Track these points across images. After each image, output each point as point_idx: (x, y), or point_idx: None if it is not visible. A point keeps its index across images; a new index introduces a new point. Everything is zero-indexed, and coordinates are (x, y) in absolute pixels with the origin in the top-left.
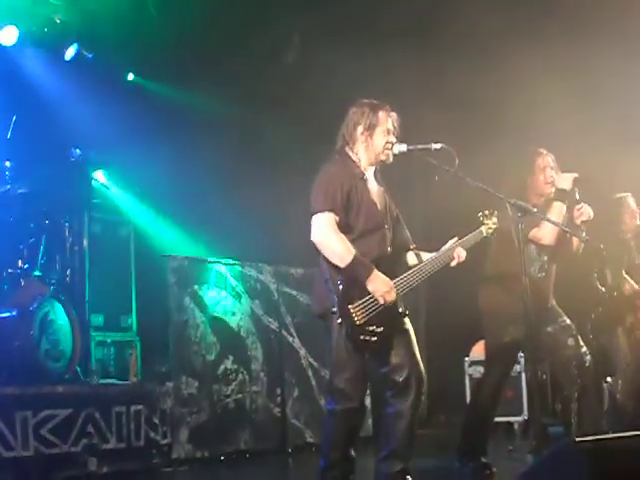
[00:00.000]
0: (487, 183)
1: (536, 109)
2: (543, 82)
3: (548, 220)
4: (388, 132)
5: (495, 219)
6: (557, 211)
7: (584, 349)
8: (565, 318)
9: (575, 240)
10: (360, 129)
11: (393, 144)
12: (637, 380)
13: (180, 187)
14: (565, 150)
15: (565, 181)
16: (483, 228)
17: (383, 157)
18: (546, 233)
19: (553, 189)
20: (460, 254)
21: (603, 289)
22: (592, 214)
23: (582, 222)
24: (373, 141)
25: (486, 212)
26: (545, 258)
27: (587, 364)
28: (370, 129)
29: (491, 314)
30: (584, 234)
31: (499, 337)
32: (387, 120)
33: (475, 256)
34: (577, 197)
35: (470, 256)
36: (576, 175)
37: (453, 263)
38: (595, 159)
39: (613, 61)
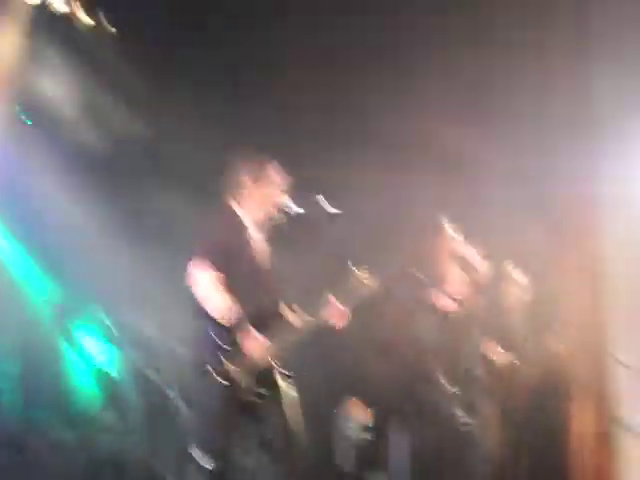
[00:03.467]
0: None
1: None
2: None
3: (432, 286)
4: (276, 184)
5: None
6: (458, 278)
7: (467, 420)
8: (449, 387)
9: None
10: (245, 182)
11: (281, 200)
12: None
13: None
14: None
15: (468, 251)
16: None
17: (272, 211)
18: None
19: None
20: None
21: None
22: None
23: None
24: (260, 195)
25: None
26: (440, 325)
27: (469, 436)
28: (256, 181)
29: (378, 383)
30: None
31: (382, 403)
32: (274, 174)
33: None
34: None
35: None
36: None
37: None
38: None
39: None
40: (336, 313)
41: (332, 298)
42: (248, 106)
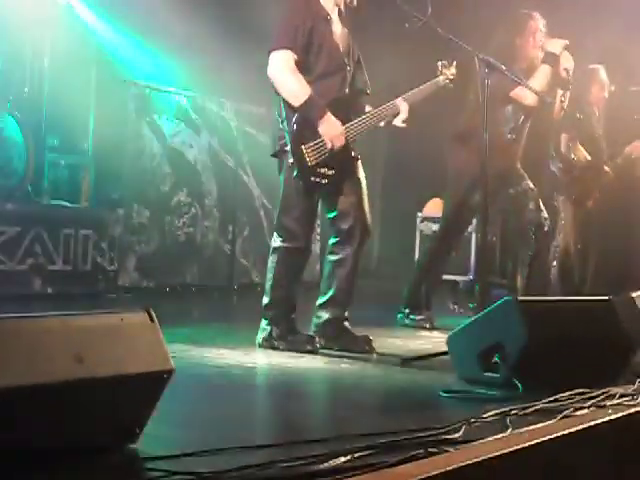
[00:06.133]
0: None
1: None
2: None
3: (517, 81)
4: None
5: (454, 70)
6: (543, 73)
7: (544, 214)
8: (529, 182)
9: (557, 106)
10: None
11: None
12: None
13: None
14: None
15: (555, 46)
16: (440, 78)
17: None
18: (528, 93)
19: (541, 54)
20: (403, 109)
21: (554, 154)
22: (572, 64)
23: (566, 79)
24: None
25: (445, 62)
26: (521, 119)
27: (546, 229)
28: None
29: (456, 172)
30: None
31: (460, 196)
32: None
33: (441, 111)
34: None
35: (436, 110)
36: (567, 42)
37: (397, 120)
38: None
39: None
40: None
41: (398, 100)
42: None
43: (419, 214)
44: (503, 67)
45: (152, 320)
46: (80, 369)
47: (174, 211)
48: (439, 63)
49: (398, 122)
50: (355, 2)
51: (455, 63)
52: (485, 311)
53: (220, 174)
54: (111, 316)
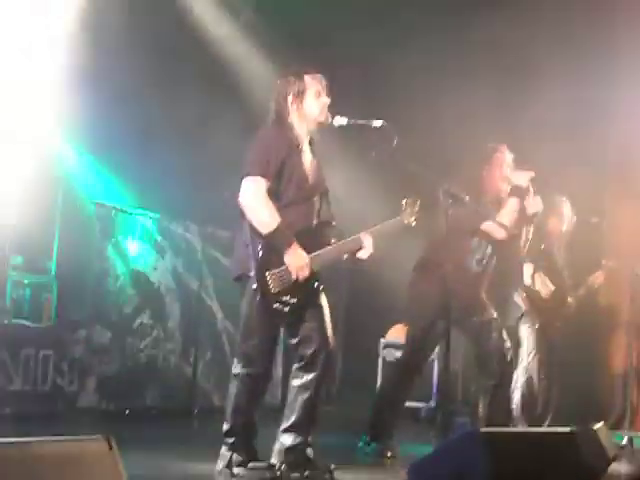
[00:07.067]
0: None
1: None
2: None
3: (480, 213)
4: (319, 94)
5: (417, 208)
6: (511, 207)
7: (507, 343)
8: (492, 311)
9: (522, 237)
10: (290, 98)
11: (327, 104)
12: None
13: (117, 135)
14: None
15: (521, 178)
16: (405, 217)
17: (321, 118)
18: (498, 227)
19: (508, 187)
20: (367, 243)
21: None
22: (542, 208)
23: (532, 214)
24: (305, 107)
25: (409, 200)
26: (488, 251)
27: (508, 358)
28: (300, 95)
29: (416, 301)
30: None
31: (423, 324)
32: (314, 82)
33: (405, 240)
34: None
35: (399, 239)
36: (532, 174)
37: (362, 253)
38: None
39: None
40: (364, 248)
41: (362, 235)
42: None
43: (382, 340)
44: (467, 198)
45: (111, 448)
46: None
47: (136, 333)
48: (403, 202)
49: (363, 255)
50: (330, 121)
51: (419, 202)
52: (447, 441)
53: (183, 296)
54: (70, 444)
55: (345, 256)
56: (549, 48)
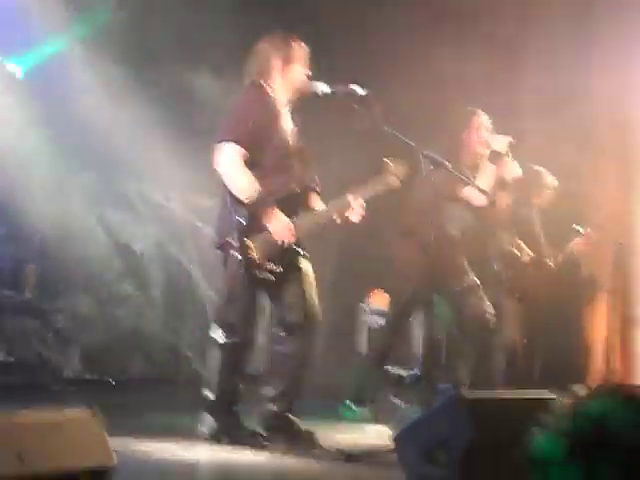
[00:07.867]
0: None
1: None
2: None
3: (466, 181)
4: (303, 61)
5: (401, 168)
6: (490, 173)
7: (490, 309)
8: (473, 277)
9: (503, 202)
10: (275, 62)
11: (309, 75)
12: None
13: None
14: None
15: (500, 144)
16: (389, 177)
17: (304, 86)
18: (477, 194)
19: (487, 150)
20: (351, 205)
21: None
22: (520, 173)
23: (511, 180)
24: (290, 73)
25: (392, 159)
26: (467, 217)
27: (490, 325)
28: (285, 61)
29: (402, 266)
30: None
31: (403, 290)
32: (300, 50)
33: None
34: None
35: (382, 205)
36: (511, 139)
37: (353, 216)
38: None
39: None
40: (353, 209)
41: (349, 196)
42: None
43: (365, 307)
44: (448, 164)
45: (94, 415)
46: (21, 466)
47: (120, 302)
48: (385, 160)
49: (354, 218)
50: (311, 89)
51: (402, 162)
52: (432, 408)
53: (166, 265)
54: (54, 412)
55: (338, 220)
56: (536, 24)
